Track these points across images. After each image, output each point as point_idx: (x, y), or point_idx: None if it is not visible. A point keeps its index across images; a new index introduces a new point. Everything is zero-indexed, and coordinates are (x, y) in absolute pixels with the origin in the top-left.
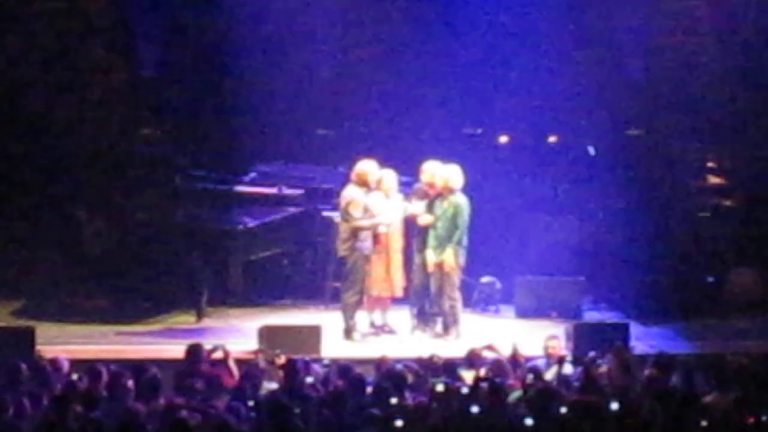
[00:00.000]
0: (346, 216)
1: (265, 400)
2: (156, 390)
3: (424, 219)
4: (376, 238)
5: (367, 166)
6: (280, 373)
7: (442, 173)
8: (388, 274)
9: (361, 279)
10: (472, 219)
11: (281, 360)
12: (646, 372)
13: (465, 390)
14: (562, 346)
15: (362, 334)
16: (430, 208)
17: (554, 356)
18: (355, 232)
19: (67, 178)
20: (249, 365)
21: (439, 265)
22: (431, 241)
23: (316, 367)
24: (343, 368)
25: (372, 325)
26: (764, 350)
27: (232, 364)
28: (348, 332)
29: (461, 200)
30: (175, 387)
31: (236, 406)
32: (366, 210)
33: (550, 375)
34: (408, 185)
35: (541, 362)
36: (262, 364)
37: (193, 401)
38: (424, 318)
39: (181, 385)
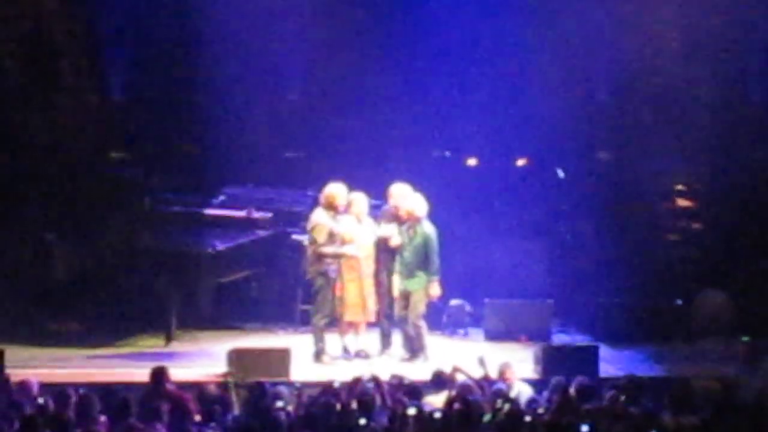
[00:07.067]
0: (311, 240)
1: (232, 424)
2: (125, 414)
3: (395, 241)
4: (342, 263)
5: (335, 190)
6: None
7: (406, 203)
8: (361, 299)
9: (329, 301)
10: (441, 242)
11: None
12: (612, 394)
13: (437, 414)
14: (515, 374)
15: (332, 357)
16: (398, 232)
17: (510, 382)
18: (319, 256)
19: (36, 201)
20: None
21: (405, 293)
22: (398, 266)
23: (284, 390)
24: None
25: (344, 349)
26: (731, 373)
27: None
28: (318, 355)
29: (429, 229)
30: (139, 410)
31: (203, 430)
32: (331, 235)
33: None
34: (377, 208)
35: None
36: (212, 389)
37: (157, 425)
38: (388, 340)
39: (145, 408)
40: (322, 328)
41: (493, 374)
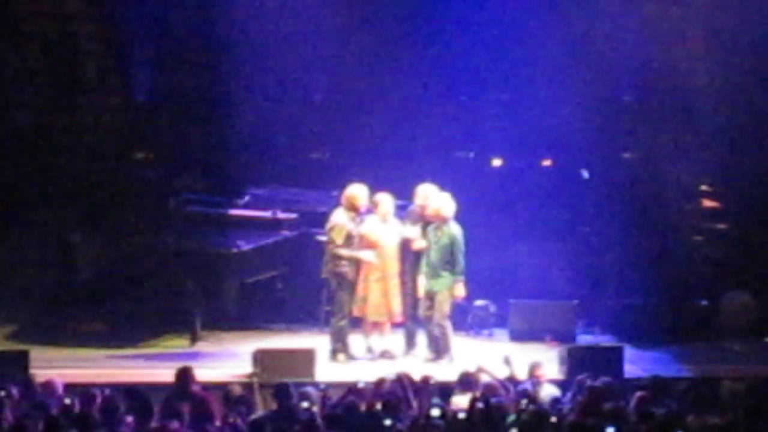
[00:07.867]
0: (328, 240)
1: (258, 423)
2: (147, 415)
3: (418, 244)
4: (360, 264)
5: (356, 191)
6: (259, 398)
7: (433, 203)
8: (385, 299)
9: (347, 302)
10: (466, 243)
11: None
12: (636, 395)
13: (462, 414)
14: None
15: (347, 357)
16: (424, 233)
17: (541, 381)
18: (334, 257)
19: (60, 202)
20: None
21: (430, 293)
22: (423, 267)
23: (311, 390)
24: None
25: (369, 350)
26: (757, 374)
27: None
28: (333, 354)
29: (455, 230)
30: (163, 410)
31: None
32: (349, 236)
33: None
34: (402, 209)
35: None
36: (237, 390)
37: (184, 425)
38: (413, 341)
39: (170, 408)
40: (339, 328)
41: (519, 374)
